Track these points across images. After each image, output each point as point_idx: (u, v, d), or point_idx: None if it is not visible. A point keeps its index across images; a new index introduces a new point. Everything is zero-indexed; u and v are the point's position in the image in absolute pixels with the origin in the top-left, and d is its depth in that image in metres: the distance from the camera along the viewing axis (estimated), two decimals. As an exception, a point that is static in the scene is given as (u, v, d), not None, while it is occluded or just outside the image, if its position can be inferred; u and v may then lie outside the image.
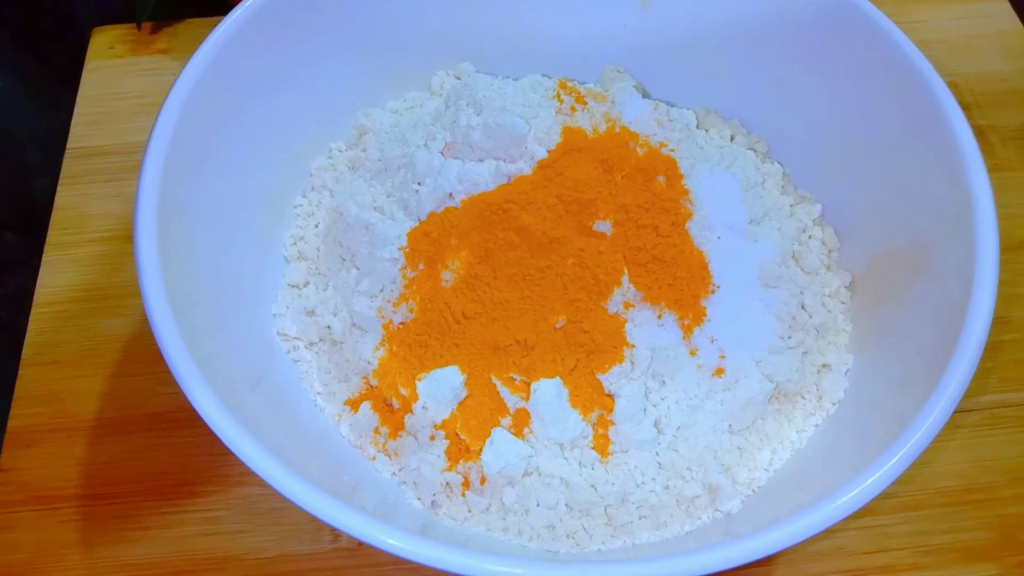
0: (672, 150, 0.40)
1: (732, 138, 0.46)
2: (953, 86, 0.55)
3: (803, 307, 0.40)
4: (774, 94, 0.45)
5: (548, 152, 0.39)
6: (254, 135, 0.41)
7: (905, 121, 0.40)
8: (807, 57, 0.43)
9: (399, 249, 0.39)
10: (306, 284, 0.42)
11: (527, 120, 0.39)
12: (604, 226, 0.38)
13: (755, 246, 0.40)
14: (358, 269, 0.40)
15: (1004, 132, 0.53)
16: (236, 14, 0.39)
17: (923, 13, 0.58)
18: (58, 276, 0.47)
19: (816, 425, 0.38)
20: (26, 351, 0.45)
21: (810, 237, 0.42)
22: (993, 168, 0.51)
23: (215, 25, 0.55)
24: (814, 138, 0.44)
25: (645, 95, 0.46)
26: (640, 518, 0.36)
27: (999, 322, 0.39)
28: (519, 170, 0.39)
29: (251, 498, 0.41)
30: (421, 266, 0.38)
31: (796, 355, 0.39)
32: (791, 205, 0.44)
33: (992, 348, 0.35)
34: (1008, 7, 0.58)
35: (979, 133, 0.54)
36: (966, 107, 0.55)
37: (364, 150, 0.44)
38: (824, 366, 0.39)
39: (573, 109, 0.41)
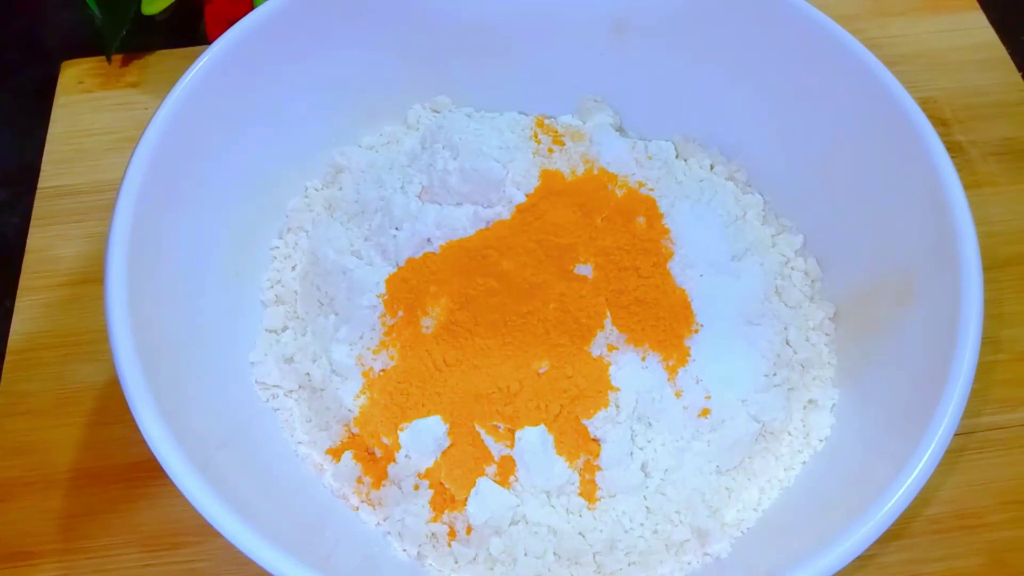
0: (651, 189, 0.40)
1: (712, 167, 0.45)
2: (932, 101, 0.55)
3: (787, 343, 0.39)
4: (752, 121, 0.44)
5: (526, 196, 0.39)
6: (228, 175, 0.41)
7: (882, 147, 0.40)
8: (784, 83, 0.43)
9: (378, 296, 0.38)
10: (284, 329, 0.41)
11: (504, 164, 0.39)
12: (585, 269, 0.38)
13: (737, 283, 0.39)
14: (336, 315, 0.39)
15: (984, 147, 0.53)
16: (209, 55, 0.39)
17: (899, 28, 0.57)
18: (31, 322, 0.46)
19: (804, 462, 0.38)
20: (0, 400, 0.44)
21: (792, 269, 0.42)
22: (974, 184, 0.52)
23: (185, 56, 0.56)
24: (793, 165, 0.44)
25: (621, 129, 0.46)
26: (629, 564, 0.35)
27: (986, 342, 0.39)
28: (497, 214, 0.39)
29: (233, 548, 0.40)
30: (401, 313, 0.38)
31: (782, 392, 0.38)
32: (772, 236, 0.43)
33: (979, 369, 0.35)
34: (983, 19, 0.58)
35: (959, 149, 0.54)
36: (945, 122, 0.55)
37: (340, 188, 0.44)
38: (810, 402, 0.39)
39: (551, 150, 0.40)
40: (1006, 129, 0.54)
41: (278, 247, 0.43)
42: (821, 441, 0.38)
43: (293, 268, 0.42)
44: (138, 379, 0.31)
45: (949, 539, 0.41)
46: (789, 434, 0.38)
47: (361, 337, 0.38)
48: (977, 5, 0.58)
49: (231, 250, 0.41)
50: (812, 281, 0.42)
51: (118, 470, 0.42)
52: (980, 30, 0.57)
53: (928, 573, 0.40)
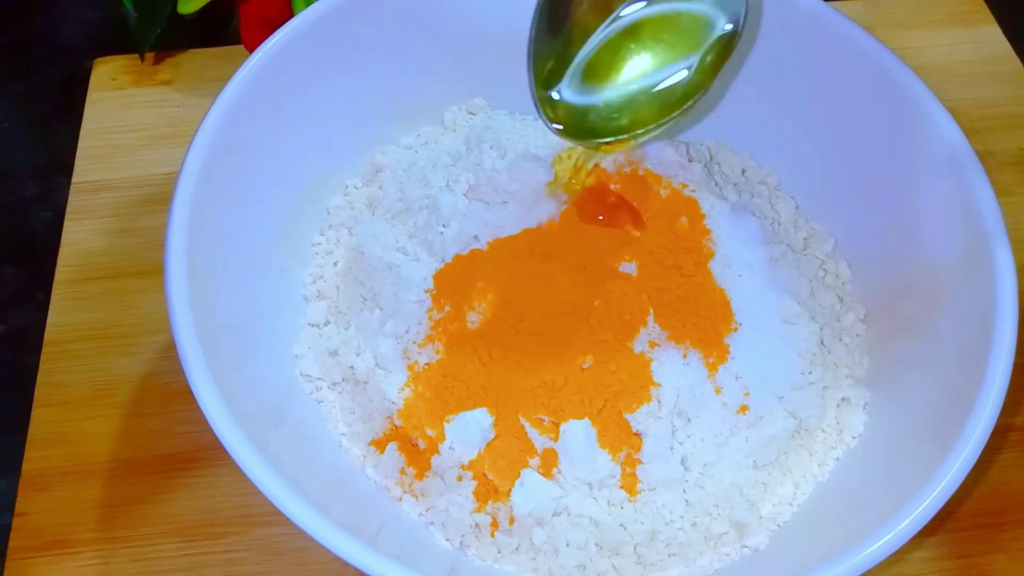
0: (693, 190, 0.41)
1: (743, 171, 0.46)
2: (950, 111, 0.57)
3: (822, 342, 0.40)
4: (783, 127, 0.45)
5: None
6: (271, 173, 0.41)
7: (912, 152, 0.41)
8: (814, 89, 0.44)
9: (425, 291, 0.39)
10: (326, 323, 0.42)
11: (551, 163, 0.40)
12: (629, 267, 0.39)
13: (774, 283, 0.40)
14: (381, 310, 0.40)
15: (1001, 157, 0.54)
16: (253, 60, 0.39)
17: (918, 39, 0.59)
18: (66, 314, 0.47)
19: (837, 459, 0.39)
20: (37, 392, 0.45)
21: (825, 272, 0.43)
22: (993, 193, 0.53)
23: (217, 56, 0.57)
24: (823, 170, 0.45)
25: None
26: (669, 556, 0.36)
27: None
28: (545, 212, 0.40)
29: (273, 538, 0.41)
30: (447, 308, 0.39)
31: (817, 391, 0.39)
32: (805, 239, 0.44)
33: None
34: (999, 32, 0.59)
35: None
36: (964, 133, 0.57)
37: (381, 187, 0.44)
38: (843, 400, 0.40)
39: (597, 151, 0.41)
40: (1022, 139, 0.55)
41: (320, 243, 0.44)
42: (854, 438, 0.39)
43: (335, 264, 0.43)
44: (200, 360, 0.32)
45: (970, 537, 0.42)
46: (823, 431, 0.39)
47: (407, 331, 0.39)
48: (992, 19, 0.59)
49: (275, 245, 0.41)
50: (843, 284, 0.43)
51: (155, 461, 0.43)
52: (995, 43, 0.59)
53: (949, 570, 0.41)
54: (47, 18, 0.63)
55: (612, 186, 0.40)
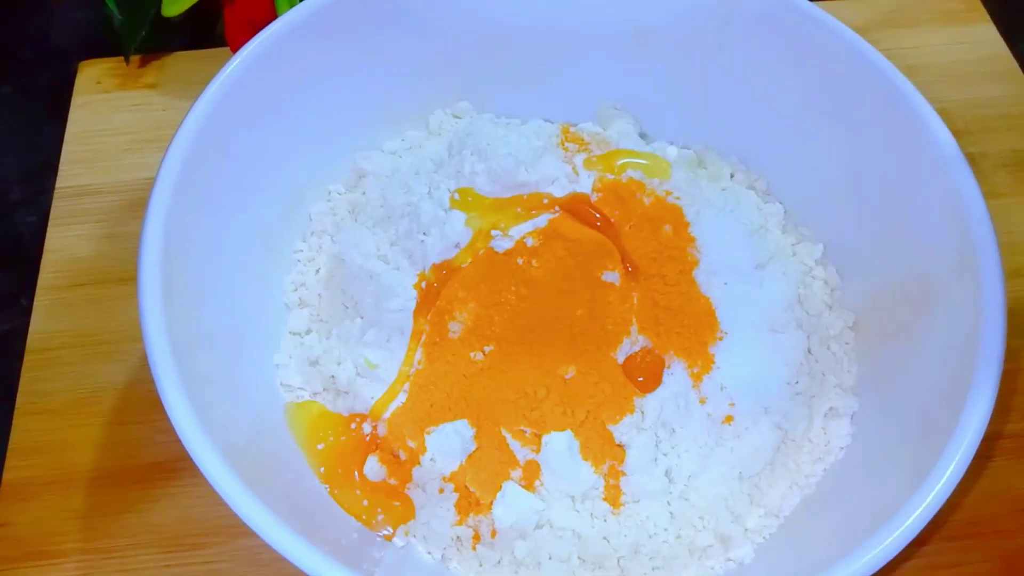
0: (678, 198, 0.41)
1: (731, 176, 0.46)
2: (944, 112, 0.56)
3: (809, 351, 0.40)
4: (771, 131, 0.45)
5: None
6: (252, 179, 0.41)
7: (901, 157, 0.40)
8: (803, 92, 0.43)
9: (406, 300, 0.38)
10: (308, 332, 0.41)
11: (532, 169, 0.39)
12: (612, 276, 0.38)
13: (761, 291, 0.40)
14: (362, 318, 0.40)
15: (995, 158, 0.54)
16: (235, 62, 0.39)
17: (912, 39, 0.58)
18: (50, 321, 0.46)
19: (824, 470, 0.38)
20: (20, 400, 0.44)
21: (813, 278, 0.43)
22: (985, 195, 0.52)
23: (203, 58, 0.56)
24: (812, 174, 0.44)
25: (643, 134, 0.46)
26: (653, 569, 0.36)
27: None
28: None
29: (254, 548, 0.40)
30: (429, 317, 0.38)
31: (803, 401, 0.39)
32: (792, 245, 0.44)
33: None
34: (994, 32, 0.59)
35: (970, 160, 0.54)
36: (957, 134, 0.55)
37: (364, 193, 0.44)
38: (830, 410, 0.39)
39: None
40: (1016, 141, 0.54)
41: (301, 250, 0.43)
42: (841, 449, 0.39)
43: (316, 271, 0.43)
44: (171, 375, 0.31)
45: (962, 546, 0.41)
46: (810, 441, 0.39)
47: (388, 340, 0.38)
48: (987, 17, 0.59)
49: (256, 252, 0.41)
50: (832, 290, 0.43)
51: (138, 470, 0.42)
52: (990, 42, 0.58)
53: (943, 578, 0.41)
54: (37, 20, 0.63)
55: (594, 196, 0.40)
